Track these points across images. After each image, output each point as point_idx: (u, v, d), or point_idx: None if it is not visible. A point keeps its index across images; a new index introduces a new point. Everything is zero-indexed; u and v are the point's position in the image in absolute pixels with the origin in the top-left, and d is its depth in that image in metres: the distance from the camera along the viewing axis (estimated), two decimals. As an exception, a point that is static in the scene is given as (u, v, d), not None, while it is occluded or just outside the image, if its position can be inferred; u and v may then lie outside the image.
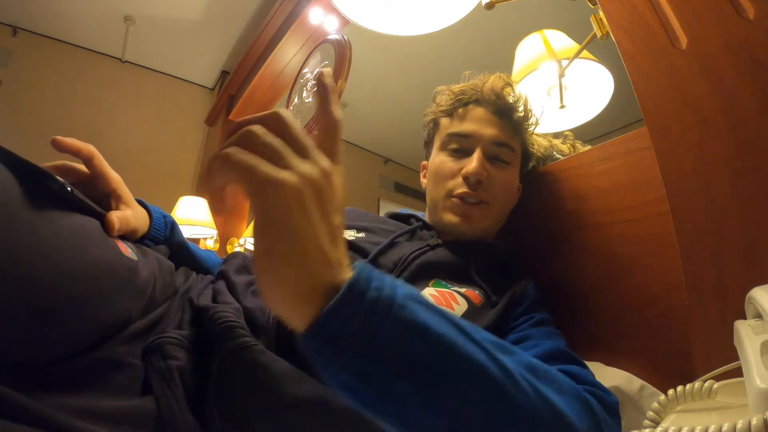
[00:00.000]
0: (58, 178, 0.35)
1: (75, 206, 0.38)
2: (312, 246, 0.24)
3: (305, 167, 0.25)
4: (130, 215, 0.47)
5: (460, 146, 0.65)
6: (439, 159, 0.66)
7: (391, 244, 0.60)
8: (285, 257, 0.24)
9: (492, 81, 0.67)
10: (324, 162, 0.27)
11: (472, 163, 0.61)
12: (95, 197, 0.45)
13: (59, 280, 0.31)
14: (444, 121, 0.69)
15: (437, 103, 0.71)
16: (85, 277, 0.34)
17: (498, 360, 0.28)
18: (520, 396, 0.28)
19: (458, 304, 0.51)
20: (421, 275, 0.55)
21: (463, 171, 0.62)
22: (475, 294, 0.54)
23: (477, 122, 0.65)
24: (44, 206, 0.33)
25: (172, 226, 0.58)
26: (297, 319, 0.25)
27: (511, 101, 0.66)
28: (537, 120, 0.70)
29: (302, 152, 0.26)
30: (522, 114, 0.67)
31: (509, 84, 0.68)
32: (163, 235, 0.56)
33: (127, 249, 0.41)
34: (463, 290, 0.54)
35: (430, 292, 0.51)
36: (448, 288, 0.54)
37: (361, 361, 0.24)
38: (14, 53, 2.44)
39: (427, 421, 0.26)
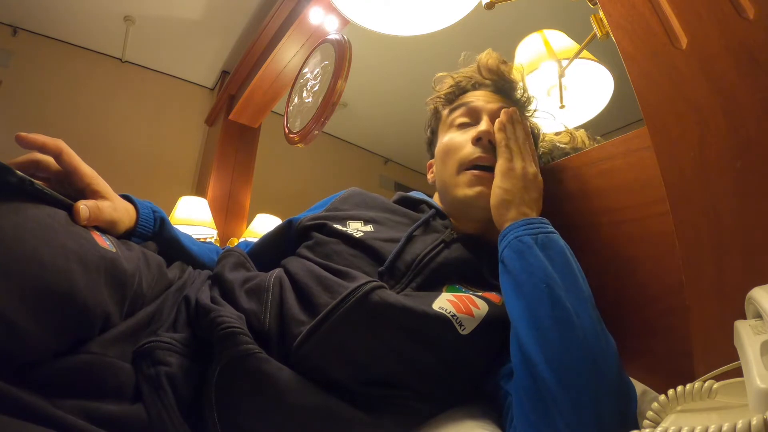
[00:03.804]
0: (16, 171, 0.34)
1: (40, 198, 0.36)
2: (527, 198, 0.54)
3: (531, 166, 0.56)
4: (105, 205, 0.46)
5: (468, 117, 0.64)
6: (447, 138, 0.65)
7: (408, 240, 0.57)
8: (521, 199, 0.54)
9: (486, 61, 0.67)
10: (532, 166, 0.56)
11: (482, 125, 0.61)
12: (71, 194, 0.44)
13: (25, 270, 0.30)
14: (445, 111, 0.69)
15: (437, 90, 0.70)
16: (54, 266, 0.32)
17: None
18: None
19: (478, 308, 0.49)
20: (435, 281, 0.54)
21: (473, 134, 0.60)
22: (493, 294, 0.53)
23: (480, 97, 0.65)
24: (5, 199, 0.33)
25: (162, 221, 0.56)
26: (511, 219, 0.52)
27: (509, 78, 0.66)
28: (534, 100, 0.69)
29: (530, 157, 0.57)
30: (523, 94, 0.67)
31: (504, 61, 0.67)
32: (151, 231, 0.54)
33: (104, 241, 0.40)
34: (480, 293, 0.53)
35: (447, 298, 0.49)
36: (465, 292, 0.52)
37: (537, 238, 0.48)
38: (14, 53, 2.44)
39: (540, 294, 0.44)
